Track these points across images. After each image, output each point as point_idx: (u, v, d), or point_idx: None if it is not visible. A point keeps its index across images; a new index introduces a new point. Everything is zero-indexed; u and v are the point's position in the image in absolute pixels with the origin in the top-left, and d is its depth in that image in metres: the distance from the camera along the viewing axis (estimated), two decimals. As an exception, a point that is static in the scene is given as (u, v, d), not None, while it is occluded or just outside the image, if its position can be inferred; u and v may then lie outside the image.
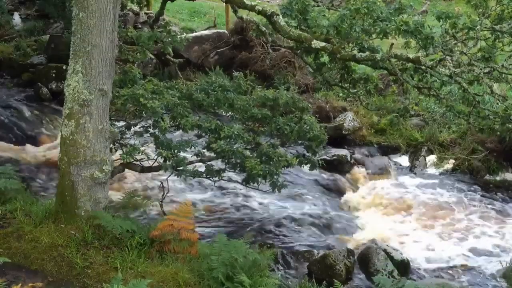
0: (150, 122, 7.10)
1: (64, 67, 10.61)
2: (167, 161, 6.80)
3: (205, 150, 7.13)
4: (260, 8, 7.50)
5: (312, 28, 7.26)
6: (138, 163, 7.11)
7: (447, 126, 11.82)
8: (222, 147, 6.73)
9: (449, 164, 11.00)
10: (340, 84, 8.87)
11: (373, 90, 8.54)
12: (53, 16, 13.27)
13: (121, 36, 8.21)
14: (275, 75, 12.64)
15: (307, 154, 7.77)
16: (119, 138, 7.29)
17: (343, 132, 11.43)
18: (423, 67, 7.27)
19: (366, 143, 11.61)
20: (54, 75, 11.74)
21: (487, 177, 10.71)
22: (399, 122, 11.96)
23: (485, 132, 8.76)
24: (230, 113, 7.69)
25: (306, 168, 8.15)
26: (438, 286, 7.11)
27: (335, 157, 10.66)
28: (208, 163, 7.27)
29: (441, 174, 10.87)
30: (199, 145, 7.21)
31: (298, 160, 7.44)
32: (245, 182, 7.26)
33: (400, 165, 11.31)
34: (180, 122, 7.00)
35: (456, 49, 7.12)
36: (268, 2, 18.22)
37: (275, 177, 6.98)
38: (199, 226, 7.92)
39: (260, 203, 9.11)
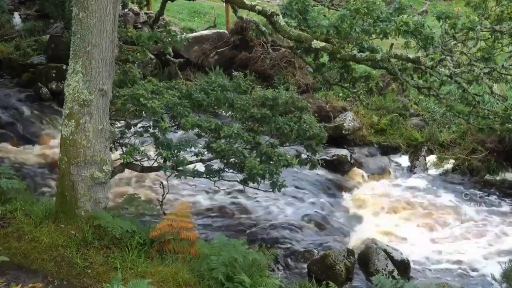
0: (150, 122, 7.10)
1: (64, 67, 10.62)
2: (167, 161, 6.80)
3: (205, 150, 7.13)
4: (260, 8, 7.50)
5: (312, 28, 7.27)
6: (138, 163, 7.11)
7: (447, 126, 11.84)
8: (221, 147, 6.74)
9: (449, 164, 11.00)
10: (340, 83, 8.88)
11: (374, 88, 8.54)
12: (53, 16, 13.28)
13: (121, 36, 8.21)
14: (275, 75, 12.66)
15: (307, 153, 7.78)
16: (119, 138, 7.29)
17: (343, 132, 11.43)
18: (423, 67, 7.28)
19: (366, 143, 11.62)
20: (54, 75, 11.75)
21: (487, 177, 10.71)
22: (399, 121, 11.98)
23: (485, 132, 8.76)
24: (229, 112, 7.69)
25: (306, 168, 8.17)
26: (438, 286, 7.11)
27: (335, 157, 10.67)
28: (208, 163, 7.28)
29: (441, 174, 10.87)
30: (199, 145, 7.21)
31: (298, 159, 7.44)
32: (245, 181, 7.27)
33: (400, 165, 11.32)
34: (180, 122, 7.01)
35: (456, 49, 7.13)
36: (268, 2, 18.23)
37: (275, 176, 6.98)
38: (199, 226, 7.94)
39: (260, 203, 9.11)
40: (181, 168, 6.86)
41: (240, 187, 8.10)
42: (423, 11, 8.83)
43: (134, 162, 6.95)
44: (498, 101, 8.59)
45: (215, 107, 7.64)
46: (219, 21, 16.18)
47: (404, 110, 12.31)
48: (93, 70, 5.87)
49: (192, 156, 7.19)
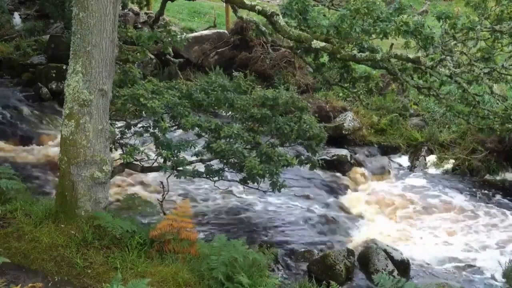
0: (150, 122, 7.10)
1: (64, 67, 10.63)
2: (167, 161, 6.80)
3: (205, 150, 7.13)
4: (260, 8, 7.50)
5: (312, 28, 7.27)
6: (138, 163, 7.11)
7: (447, 126, 11.85)
8: (222, 147, 6.74)
9: (449, 164, 11.01)
10: (340, 83, 8.88)
11: (374, 88, 8.55)
12: (53, 16, 13.29)
13: (121, 36, 8.21)
14: (275, 75, 12.67)
15: (307, 153, 7.78)
16: (119, 138, 7.29)
17: (343, 132, 11.44)
18: (423, 67, 7.28)
19: (366, 143, 11.63)
20: (54, 75, 11.76)
21: (487, 177, 10.72)
22: (399, 121, 11.99)
23: (485, 132, 8.77)
24: (230, 112, 7.69)
25: (306, 168, 8.16)
26: (438, 286, 7.11)
27: (335, 157, 10.67)
28: (208, 163, 7.28)
29: (441, 174, 10.88)
30: (198, 145, 7.22)
31: (298, 159, 7.44)
32: (245, 181, 7.27)
33: (400, 165, 11.33)
34: (180, 122, 7.01)
35: (456, 49, 7.13)
36: (268, 2, 18.24)
37: (275, 176, 6.98)
38: (199, 226, 7.94)
39: (260, 203, 9.11)
40: (181, 168, 6.85)
41: (240, 187, 8.10)
42: (423, 11, 8.84)
43: (134, 162, 6.95)
44: (498, 101, 8.59)
45: (215, 107, 7.64)
46: (219, 21, 16.19)
47: (404, 110, 12.33)
48: (93, 70, 5.87)
49: (192, 156, 7.19)
